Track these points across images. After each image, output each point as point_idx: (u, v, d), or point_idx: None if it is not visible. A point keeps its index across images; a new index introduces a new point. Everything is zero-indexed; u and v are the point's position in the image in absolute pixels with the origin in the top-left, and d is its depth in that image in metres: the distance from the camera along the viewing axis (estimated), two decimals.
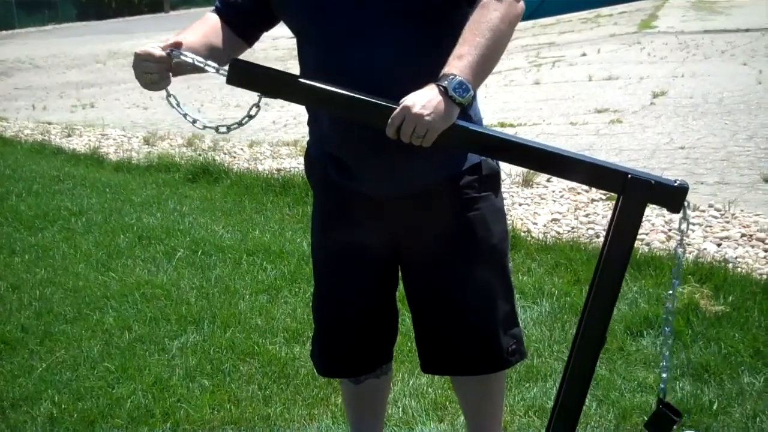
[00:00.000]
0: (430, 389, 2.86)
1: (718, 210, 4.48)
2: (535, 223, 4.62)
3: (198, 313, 3.61)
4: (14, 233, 5.02)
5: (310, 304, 2.24)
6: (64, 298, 3.90)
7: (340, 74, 1.76)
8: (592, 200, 4.90)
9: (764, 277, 3.59)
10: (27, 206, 5.61)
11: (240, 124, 1.81)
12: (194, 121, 1.81)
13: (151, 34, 24.35)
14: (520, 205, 4.97)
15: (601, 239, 4.21)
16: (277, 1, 1.89)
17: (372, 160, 1.86)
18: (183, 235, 4.74)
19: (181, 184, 6.08)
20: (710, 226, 4.28)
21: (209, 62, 1.75)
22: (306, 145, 2.10)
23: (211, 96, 10.83)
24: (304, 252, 4.18)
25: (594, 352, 1.76)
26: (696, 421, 2.57)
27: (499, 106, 8.38)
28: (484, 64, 1.69)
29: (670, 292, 1.77)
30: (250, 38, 1.97)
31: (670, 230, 4.27)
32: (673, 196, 1.68)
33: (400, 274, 2.09)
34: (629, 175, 1.66)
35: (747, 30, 13.58)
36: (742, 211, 4.47)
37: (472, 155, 1.94)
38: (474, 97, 1.75)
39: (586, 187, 5.03)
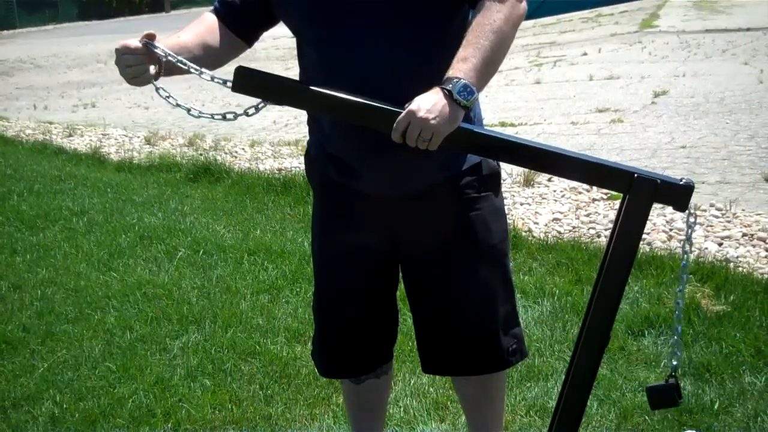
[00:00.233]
0: (431, 389, 2.86)
1: (719, 209, 4.48)
2: (536, 223, 4.62)
3: (199, 313, 3.61)
4: (16, 233, 5.02)
5: (311, 304, 2.24)
6: (66, 297, 3.91)
7: (339, 74, 1.76)
8: (594, 200, 4.90)
9: (765, 276, 3.59)
10: (28, 206, 5.61)
11: (235, 115, 1.81)
12: (189, 110, 1.82)
13: None
14: (522, 204, 4.97)
15: (603, 239, 4.22)
16: (276, 3, 1.89)
17: (372, 160, 1.86)
18: (184, 234, 4.75)
19: (182, 183, 6.08)
20: (711, 226, 4.27)
21: (182, 59, 1.75)
22: (306, 145, 2.10)
23: (212, 96, 10.83)
24: (306, 252, 4.18)
25: (598, 352, 1.76)
26: (697, 421, 2.56)
27: (500, 106, 8.39)
28: (488, 67, 1.69)
29: (684, 262, 1.76)
30: (250, 38, 1.97)
31: (671, 230, 4.27)
32: (679, 195, 1.68)
33: (400, 273, 2.10)
34: (635, 175, 1.67)
35: (748, 29, 13.59)
36: (743, 210, 4.47)
37: (472, 155, 1.94)
38: None
39: (587, 187, 5.04)
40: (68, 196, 5.87)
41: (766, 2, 16.30)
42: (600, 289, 1.74)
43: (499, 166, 2.03)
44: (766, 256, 3.88)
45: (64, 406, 2.90)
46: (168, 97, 1.79)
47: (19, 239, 4.88)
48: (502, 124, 7.25)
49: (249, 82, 1.71)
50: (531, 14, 18.40)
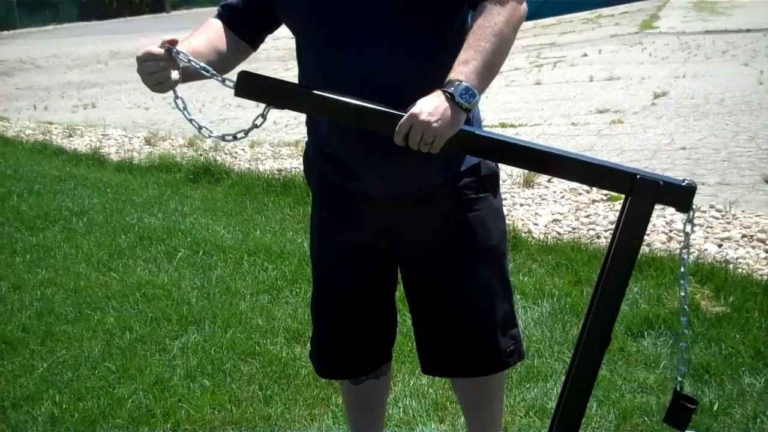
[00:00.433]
0: (430, 390, 2.86)
1: (719, 211, 4.48)
2: (536, 224, 4.62)
3: (199, 314, 3.62)
4: (16, 233, 5.02)
5: (310, 304, 2.25)
6: (66, 298, 3.91)
7: (339, 75, 1.76)
8: (593, 201, 4.90)
9: (765, 277, 3.59)
10: (28, 206, 5.61)
11: (245, 132, 1.79)
12: (200, 128, 1.80)
13: (152, 34, 24.35)
14: (521, 205, 4.97)
15: (602, 240, 4.23)
16: (277, 3, 1.89)
17: (371, 161, 1.86)
18: (184, 235, 4.75)
19: (182, 184, 6.09)
20: (711, 227, 4.28)
21: (204, 65, 1.74)
22: (305, 146, 2.11)
23: (212, 96, 10.84)
24: (305, 252, 4.18)
25: (598, 353, 1.76)
26: (697, 422, 2.56)
27: (500, 107, 8.39)
28: (489, 69, 1.69)
29: (682, 282, 1.76)
30: (254, 41, 1.97)
31: (671, 231, 4.27)
32: (681, 196, 1.68)
33: (399, 274, 2.10)
34: (638, 176, 1.67)
35: (748, 30, 13.59)
36: (743, 211, 4.47)
37: (470, 156, 1.94)
38: None
39: (587, 188, 5.04)
40: (68, 196, 5.88)
41: (766, 3, 16.30)
42: (601, 291, 1.74)
43: (497, 167, 2.03)
44: (765, 258, 3.88)
45: (64, 406, 2.90)
46: (184, 108, 1.79)
47: (18, 239, 4.88)
48: (503, 125, 7.25)
49: (251, 86, 1.71)
50: (531, 15, 18.39)
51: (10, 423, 2.83)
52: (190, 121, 1.79)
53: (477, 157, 1.92)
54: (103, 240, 4.77)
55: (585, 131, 6.89)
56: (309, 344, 2.27)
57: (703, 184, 4.97)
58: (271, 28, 1.97)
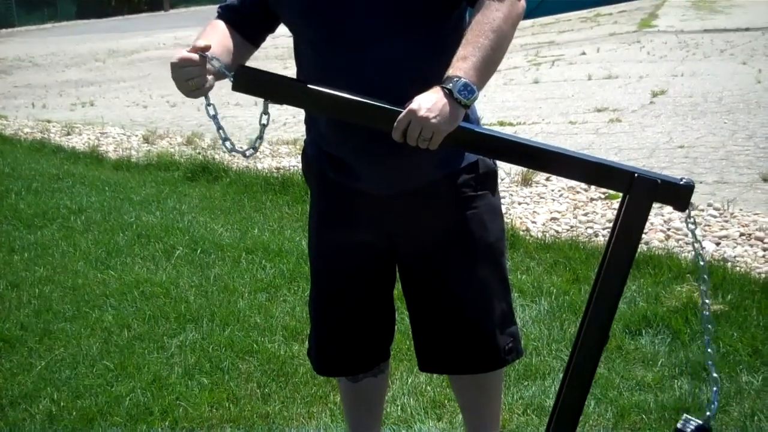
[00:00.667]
0: (428, 387, 2.86)
1: (717, 209, 4.48)
2: (534, 222, 4.62)
3: (197, 312, 3.61)
4: (13, 231, 5.02)
5: (308, 302, 2.24)
6: (64, 296, 3.91)
7: (337, 73, 1.76)
8: (591, 199, 4.90)
9: (763, 276, 3.60)
10: (26, 204, 5.61)
11: (260, 138, 1.78)
12: (224, 140, 1.80)
13: (150, 33, 24.35)
14: (520, 204, 4.97)
15: (600, 238, 4.23)
16: (276, 2, 1.89)
17: (369, 158, 1.86)
18: (182, 233, 4.74)
19: (180, 182, 6.08)
20: (709, 225, 4.28)
21: (231, 74, 1.73)
22: (303, 144, 2.11)
23: (210, 94, 10.80)
24: (303, 250, 4.17)
25: (597, 351, 1.76)
26: None
27: (499, 105, 8.39)
28: (488, 65, 1.69)
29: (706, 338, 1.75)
30: (257, 40, 1.97)
31: (668, 229, 4.28)
32: (679, 195, 1.69)
33: (398, 272, 2.10)
34: (636, 174, 1.67)
35: (747, 29, 13.59)
36: (741, 210, 4.48)
37: (469, 154, 1.94)
38: None
39: (585, 186, 5.04)
40: (66, 194, 5.87)
41: (765, 2, 16.30)
42: (599, 289, 1.74)
43: (496, 164, 2.03)
44: (763, 256, 3.88)
45: (62, 404, 2.90)
46: (215, 116, 1.77)
47: (16, 237, 4.88)
48: (501, 124, 7.25)
49: (249, 81, 1.71)
50: (530, 14, 18.42)
51: (9, 421, 2.83)
52: (218, 129, 1.79)
53: (475, 153, 1.91)
54: (101, 238, 4.77)
55: (583, 130, 6.89)
56: (307, 342, 2.27)
57: (701, 182, 4.98)
58: (273, 26, 1.98)
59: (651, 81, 9.06)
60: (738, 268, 3.69)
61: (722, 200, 4.60)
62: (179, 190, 5.84)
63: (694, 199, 1.70)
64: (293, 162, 6.31)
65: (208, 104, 1.77)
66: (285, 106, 1.78)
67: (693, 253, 3.87)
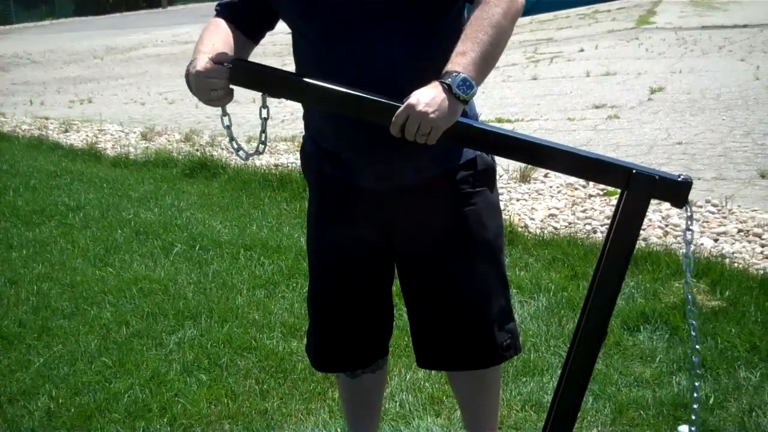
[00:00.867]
0: (426, 384, 2.87)
1: (715, 205, 4.49)
2: (532, 219, 4.63)
3: (195, 308, 3.61)
4: (12, 228, 5.02)
5: (306, 298, 2.25)
6: (62, 293, 3.90)
7: (335, 68, 1.76)
8: (590, 196, 4.91)
9: (761, 272, 3.60)
10: (24, 201, 5.60)
11: (264, 132, 1.79)
12: (238, 150, 1.80)
13: (148, 30, 24.34)
14: (518, 200, 4.97)
15: (598, 234, 4.23)
16: (274, 0, 1.89)
17: (367, 154, 1.86)
18: (180, 230, 4.74)
19: (178, 179, 6.08)
20: (707, 222, 4.28)
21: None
22: (302, 141, 2.11)
23: None
24: (302, 247, 4.18)
25: (595, 347, 1.76)
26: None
27: (497, 102, 8.38)
28: (487, 61, 1.69)
29: (695, 345, 1.75)
30: (257, 37, 1.97)
31: (666, 225, 4.28)
32: (677, 191, 1.69)
33: (396, 268, 2.10)
34: (634, 170, 1.67)
35: (745, 26, 13.60)
36: (739, 206, 4.48)
37: (467, 150, 1.94)
38: None
39: (583, 183, 5.04)
40: (64, 191, 5.87)
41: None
42: (598, 285, 1.74)
43: (494, 161, 2.03)
44: (761, 252, 3.89)
45: (60, 400, 2.90)
46: (228, 126, 1.77)
47: (15, 235, 4.88)
48: (499, 120, 7.25)
49: (246, 74, 1.70)
50: (528, 11, 18.41)
51: (7, 418, 2.82)
52: (231, 141, 1.79)
53: (473, 149, 1.91)
54: (99, 235, 4.77)
55: (581, 126, 6.89)
56: (305, 338, 2.27)
57: (699, 179, 4.98)
58: (273, 22, 1.98)
59: (649, 78, 9.07)
60: (736, 265, 3.69)
61: (720, 197, 4.60)
62: (177, 187, 5.84)
63: (692, 195, 1.70)
64: (291, 159, 6.31)
65: (224, 114, 1.76)
66: (283, 104, 1.78)
67: (691, 248, 3.89)
